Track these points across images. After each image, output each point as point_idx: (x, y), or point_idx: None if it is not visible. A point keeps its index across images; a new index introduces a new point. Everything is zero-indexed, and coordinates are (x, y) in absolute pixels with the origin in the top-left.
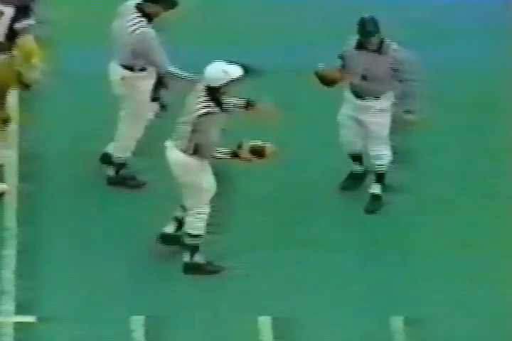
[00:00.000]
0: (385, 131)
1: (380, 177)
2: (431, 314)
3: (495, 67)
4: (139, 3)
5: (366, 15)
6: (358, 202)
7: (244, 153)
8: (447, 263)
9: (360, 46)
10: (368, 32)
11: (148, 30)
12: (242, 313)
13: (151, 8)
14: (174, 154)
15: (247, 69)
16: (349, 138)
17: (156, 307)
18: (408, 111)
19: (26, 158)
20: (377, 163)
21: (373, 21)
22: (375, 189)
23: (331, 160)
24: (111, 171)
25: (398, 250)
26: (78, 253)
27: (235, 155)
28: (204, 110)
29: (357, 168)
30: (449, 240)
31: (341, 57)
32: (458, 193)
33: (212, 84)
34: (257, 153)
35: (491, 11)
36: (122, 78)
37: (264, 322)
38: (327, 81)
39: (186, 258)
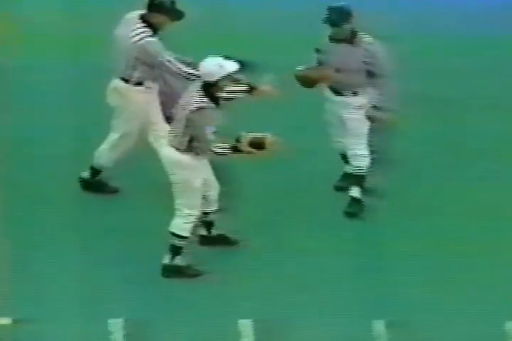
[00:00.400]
0: (363, 128)
1: (358, 180)
2: (413, 318)
3: (477, 68)
4: (143, 14)
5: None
6: (343, 205)
7: (244, 146)
8: (430, 268)
9: (333, 38)
10: (330, 21)
11: (153, 40)
12: (223, 316)
13: (156, 18)
14: (167, 151)
15: (242, 64)
16: (337, 137)
17: (136, 310)
18: (379, 108)
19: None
20: (355, 164)
21: (339, 11)
22: (354, 192)
23: (323, 162)
24: (86, 174)
25: (381, 254)
26: (55, 256)
27: (235, 149)
28: (197, 105)
29: (349, 168)
30: (432, 245)
31: (318, 50)
32: (441, 198)
33: (208, 79)
34: (257, 145)
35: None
36: (115, 88)
37: (245, 325)
38: (308, 82)
39: (166, 260)
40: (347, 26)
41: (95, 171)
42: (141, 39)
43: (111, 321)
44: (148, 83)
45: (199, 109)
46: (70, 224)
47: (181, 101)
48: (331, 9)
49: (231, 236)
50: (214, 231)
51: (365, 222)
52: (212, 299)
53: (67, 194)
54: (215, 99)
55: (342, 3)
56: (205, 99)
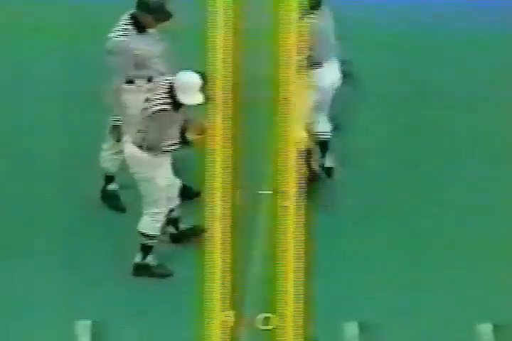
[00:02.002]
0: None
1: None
2: (383, 320)
3: (435, 63)
4: (132, 12)
5: None
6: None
7: (190, 135)
8: (399, 269)
9: None
10: None
11: (125, 41)
12: (194, 317)
13: (143, 17)
14: (130, 149)
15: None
16: None
17: (104, 312)
18: None
19: None
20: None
21: None
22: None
23: None
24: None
25: (347, 254)
26: (19, 257)
27: (183, 141)
28: (158, 107)
29: None
30: (402, 245)
31: None
32: (406, 196)
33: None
34: (201, 130)
35: None
36: (110, 85)
37: None
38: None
39: (138, 258)
40: None
41: (107, 178)
42: (115, 37)
43: (78, 323)
44: (139, 82)
45: (160, 111)
46: (38, 225)
47: (148, 100)
48: None
49: (198, 225)
50: (182, 226)
51: (332, 220)
52: (183, 299)
53: (32, 194)
54: (177, 102)
55: None
56: (168, 101)
